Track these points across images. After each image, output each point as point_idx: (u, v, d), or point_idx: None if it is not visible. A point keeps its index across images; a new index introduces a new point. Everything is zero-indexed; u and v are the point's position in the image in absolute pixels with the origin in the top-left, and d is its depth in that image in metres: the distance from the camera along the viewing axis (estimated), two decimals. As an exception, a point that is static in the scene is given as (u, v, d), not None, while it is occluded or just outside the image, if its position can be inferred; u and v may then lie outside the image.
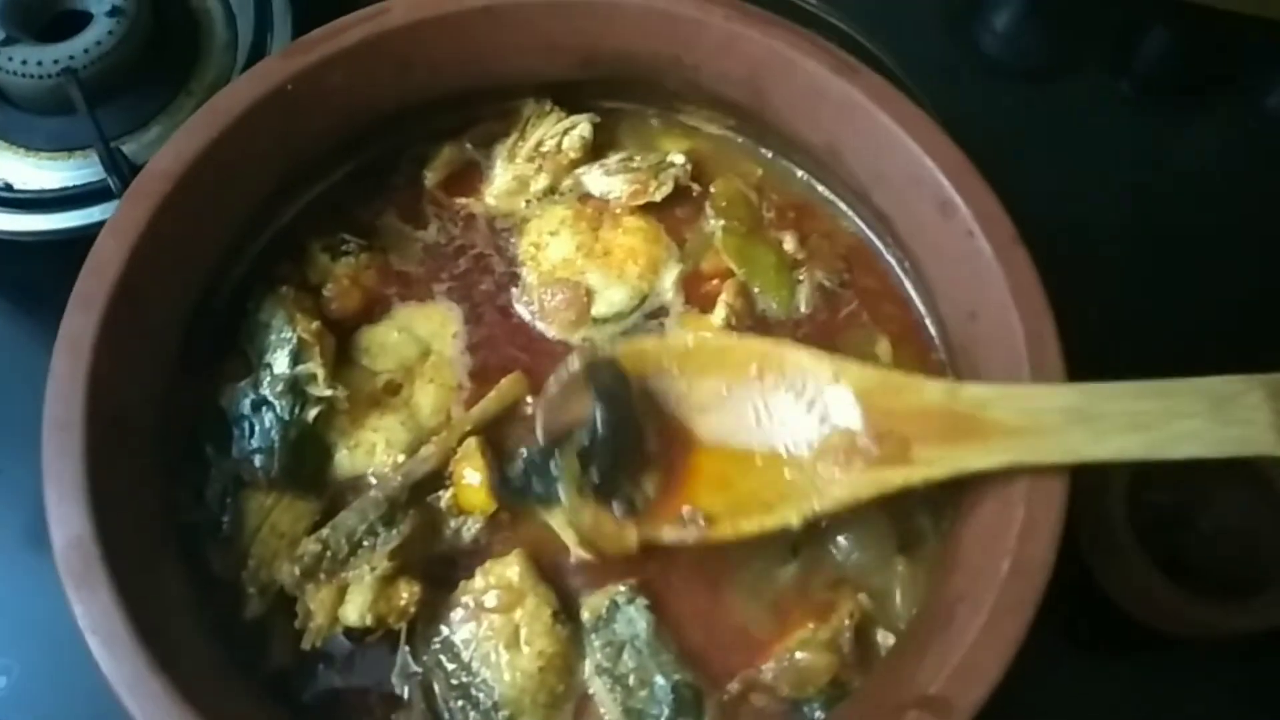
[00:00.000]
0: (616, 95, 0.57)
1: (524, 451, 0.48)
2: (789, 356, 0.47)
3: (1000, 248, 0.47)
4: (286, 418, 0.47)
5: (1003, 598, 0.41)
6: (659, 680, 0.45)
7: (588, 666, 0.46)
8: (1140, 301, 0.65)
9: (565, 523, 0.47)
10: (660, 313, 0.54)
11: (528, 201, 0.56)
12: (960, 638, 0.41)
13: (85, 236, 0.62)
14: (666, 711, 0.45)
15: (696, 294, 0.54)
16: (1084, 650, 0.57)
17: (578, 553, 0.47)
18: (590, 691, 0.46)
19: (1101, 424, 0.41)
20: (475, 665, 0.45)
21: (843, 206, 0.56)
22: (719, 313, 0.52)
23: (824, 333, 0.53)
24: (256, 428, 0.47)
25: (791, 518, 0.44)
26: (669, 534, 0.46)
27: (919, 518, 0.49)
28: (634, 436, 0.46)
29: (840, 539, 0.48)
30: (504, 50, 0.53)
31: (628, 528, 0.46)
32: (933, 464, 0.43)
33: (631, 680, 0.45)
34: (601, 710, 0.45)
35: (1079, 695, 0.55)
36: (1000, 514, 0.43)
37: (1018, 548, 0.41)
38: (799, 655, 0.46)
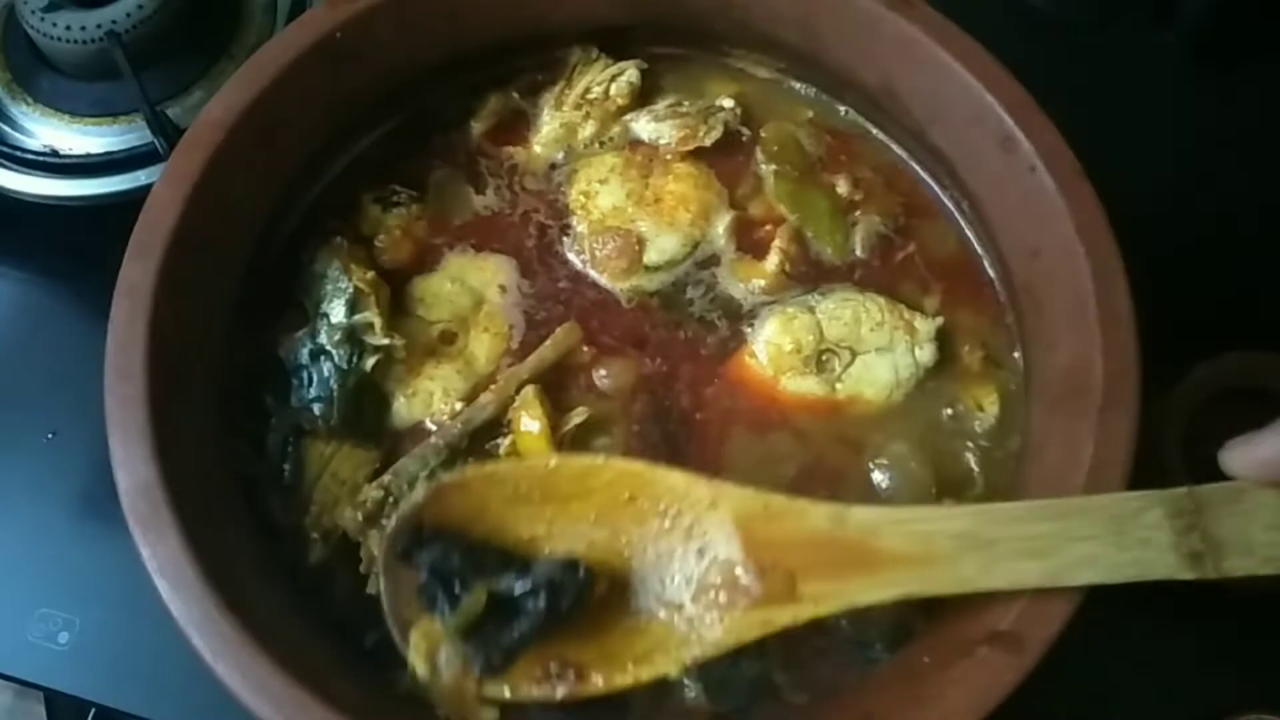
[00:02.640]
0: (663, 40, 0.56)
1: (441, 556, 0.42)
2: (662, 479, 0.43)
3: (1064, 182, 0.46)
4: (345, 366, 0.48)
5: (1074, 532, 0.40)
6: (721, 621, 0.45)
7: (649, 609, 0.46)
8: (1182, 260, 0.64)
9: (424, 652, 0.41)
10: (712, 260, 0.53)
11: (576, 149, 0.56)
12: (1031, 573, 0.40)
13: (131, 201, 0.62)
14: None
15: (749, 240, 0.53)
16: (1143, 609, 0.56)
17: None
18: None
19: (995, 550, 0.39)
20: (536, 607, 0.45)
21: (896, 148, 0.55)
22: (772, 259, 0.52)
23: (880, 276, 0.53)
24: (315, 377, 0.48)
25: (670, 668, 0.41)
26: (532, 692, 0.41)
27: (963, 460, 0.49)
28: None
29: (879, 479, 0.48)
30: (549, -5, 0.53)
31: (477, 691, 0.41)
32: (821, 601, 0.40)
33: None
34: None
35: (1139, 655, 0.55)
36: (1067, 453, 0.43)
37: (1087, 483, 0.41)
38: (862, 597, 0.45)
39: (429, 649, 0.41)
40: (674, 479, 0.43)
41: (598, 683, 0.42)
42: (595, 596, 0.41)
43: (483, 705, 0.42)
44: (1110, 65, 0.73)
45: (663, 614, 0.42)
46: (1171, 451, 0.54)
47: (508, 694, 0.41)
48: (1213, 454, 0.55)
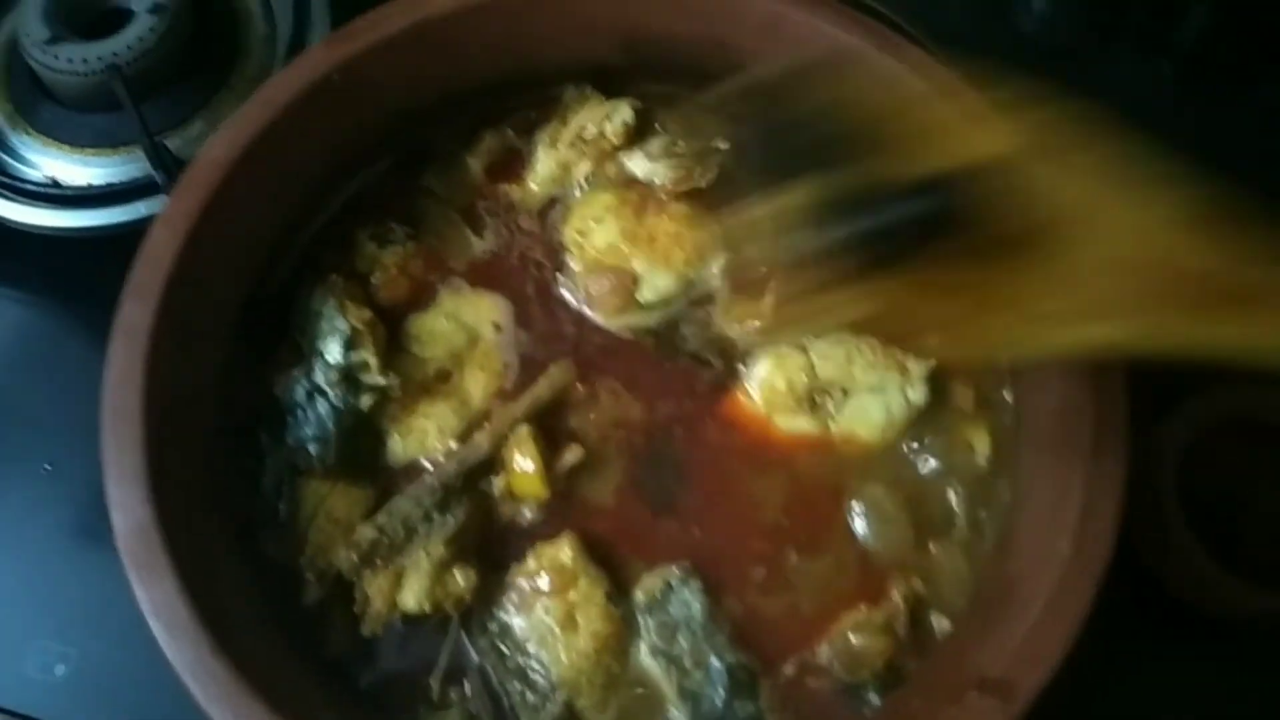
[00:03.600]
0: (658, 79, 0.57)
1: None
2: None
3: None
4: (340, 406, 0.48)
5: (1065, 577, 0.40)
6: (714, 662, 0.45)
7: (642, 647, 0.46)
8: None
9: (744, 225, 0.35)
10: (706, 299, 0.53)
11: (571, 188, 0.56)
12: (1021, 618, 0.40)
13: (130, 232, 0.63)
14: (722, 693, 0.45)
15: (743, 280, 0.53)
16: (1135, 638, 0.57)
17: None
18: (645, 673, 0.46)
19: None
20: (531, 647, 0.45)
21: (889, 189, 0.55)
22: (768, 300, 0.52)
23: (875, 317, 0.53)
24: (311, 416, 0.48)
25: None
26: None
27: (946, 500, 0.49)
28: None
29: (857, 523, 0.48)
30: (546, 35, 0.53)
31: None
32: None
33: (686, 661, 0.45)
34: (658, 691, 0.46)
35: (1130, 683, 0.54)
36: (1057, 496, 0.43)
37: (1079, 527, 0.41)
38: (853, 638, 0.46)
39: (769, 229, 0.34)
40: None
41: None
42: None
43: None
44: (1103, 92, 0.73)
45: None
46: (1165, 486, 0.54)
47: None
48: (1208, 489, 0.55)
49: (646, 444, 0.50)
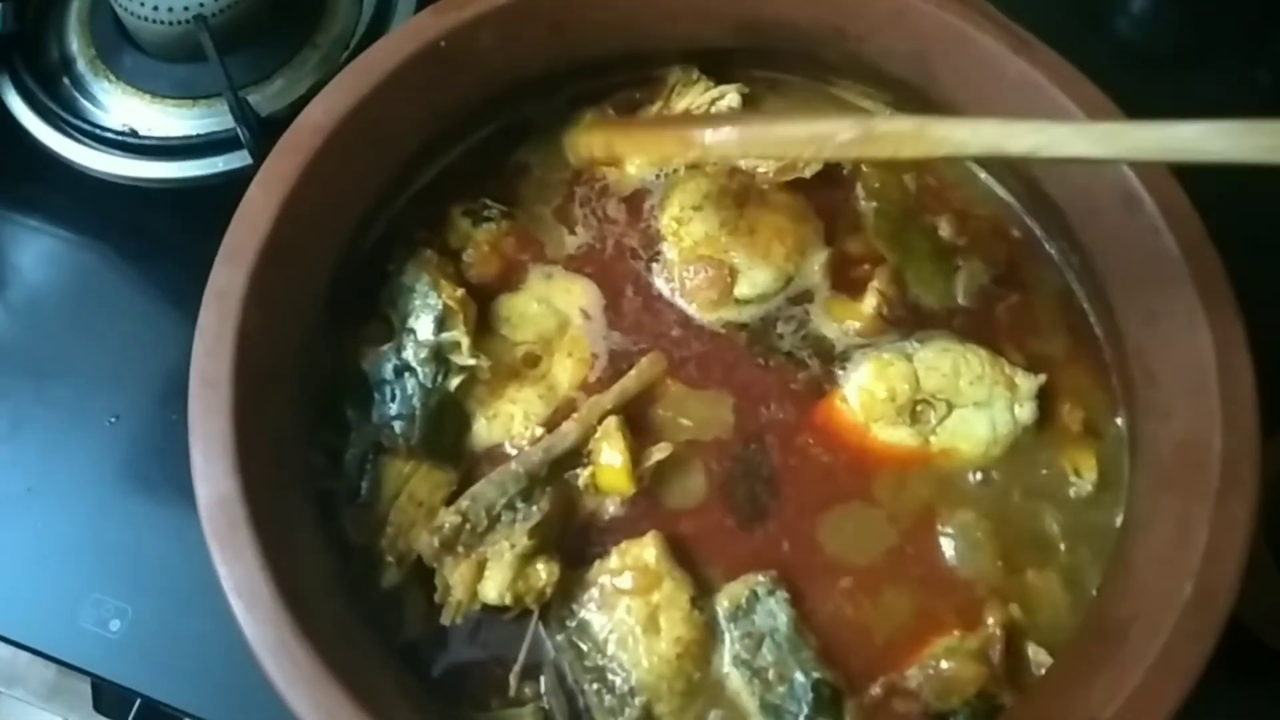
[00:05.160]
0: (767, 64, 0.55)
1: None
2: None
3: (1189, 247, 0.44)
4: (429, 385, 0.47)
5: (1184, 623, 0.39)
6: (798, 677, 0.44)
7: (725, 656, 0.45)
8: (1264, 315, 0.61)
9: None
10: (805, 297, 0.51)
11: (670, 173, 0.54)
12: (1136, 661, 0.38)
13: (207, 186, 0.62)
14: (805, 710, 0.43)
15: (844, 279, 0.51)
16: (1213, 675, 0.55)
17: None
18: (727, 682, 0.44)
19: None
20: (610, 647, 0.44)
21: (1005, 194, 0.53)
22: (869, 300, 0.50)
23: (980, 326, 0.51)
24: (398, 393, 0.46)
25: None
26: None
27: (1044, 524, 0.47)
28: None
29: (946, 547, 0.47)
30: (658, 14, 0.51)
31: None
32: None
33: (770, 674, 0.44)
34: (738, 702, 0.44)
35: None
36: (1178, 535, 0.41)
37: (1201, 570, 0.39)
38: (945, 664, 0.44)
39: None
40: None
41: None
42: None
43: None
44: (1196, 99, 0.71)
45: None
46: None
47: None
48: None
49: (736, 446, 0.49)
